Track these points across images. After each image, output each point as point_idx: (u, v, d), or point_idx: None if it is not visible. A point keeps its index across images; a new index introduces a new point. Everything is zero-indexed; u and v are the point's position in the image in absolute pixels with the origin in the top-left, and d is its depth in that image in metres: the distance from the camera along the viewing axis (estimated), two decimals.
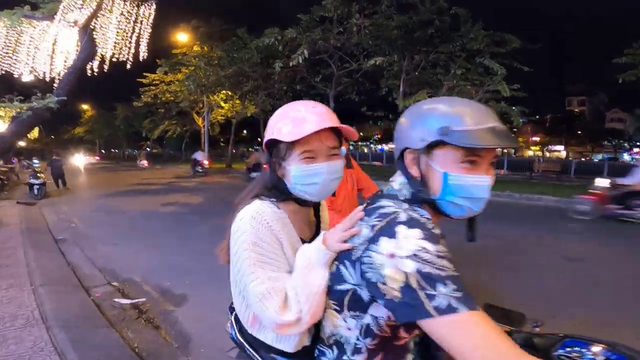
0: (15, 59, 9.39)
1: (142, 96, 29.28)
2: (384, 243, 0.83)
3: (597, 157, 50.51)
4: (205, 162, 22.32)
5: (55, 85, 9.20)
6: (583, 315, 3.56)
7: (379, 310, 0.90)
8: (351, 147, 13.80)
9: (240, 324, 1.20)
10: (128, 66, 10.61)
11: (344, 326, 0.95)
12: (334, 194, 1.17)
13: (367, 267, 0.86)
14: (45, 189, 12.38)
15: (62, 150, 25.07)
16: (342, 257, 0.94)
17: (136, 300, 3.99)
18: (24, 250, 5.48)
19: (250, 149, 21.49)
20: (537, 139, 57.92)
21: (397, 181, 1.01)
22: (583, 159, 45.12)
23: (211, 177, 20.90)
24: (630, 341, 1.08)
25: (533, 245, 6.37)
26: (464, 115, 0.88)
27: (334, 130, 1.08)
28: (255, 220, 1.04)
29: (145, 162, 31.82)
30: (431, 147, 0.90)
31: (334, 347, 0.99)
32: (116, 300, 3.97)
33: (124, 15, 10.08)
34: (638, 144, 50.99)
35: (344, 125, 1.08)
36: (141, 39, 10.54)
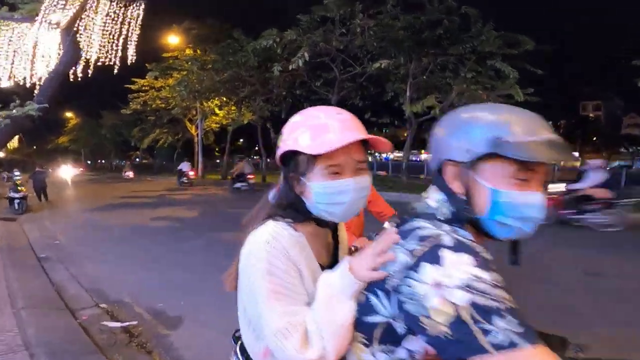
0: None
1: (130, 103, 29.46)
2: (428, 271, 0.78)
3: (613, 165, 50.53)
4: (191, 173, 22.93)
5: (36, 91, 9.17)
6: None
7: (415, 344, 0.84)
8: None
9: (246, 354, 1.15)
10: (115, 71, 10.63)
11: None
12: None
13: (405, 297, 0.80)
14: (27, 203, 12.36)
15: (45, 162, 25.08)
16: (373, 285, 0.89)
17: (127, 323, 3.92)
18: (4, 270, 5.41)
19: (248, 158, 21.66)
20: None
21: (434, 198, 0.96)
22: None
23: (206, 188, 20.92)
24: None
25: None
26: (514, 125, 0.84)
27: (361, 140, 1.02)
28: (270, 245, 0.98)
29: (130, 174, 32.24)
30: (477, 160, 0.86)
31: None
32: (105, 323, 3.91)
33: (110, 16, 10.07)
34: None
35: (375, 136, 1.01)
36: (129, 42, 10.53)
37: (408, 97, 15.82)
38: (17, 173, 17.05)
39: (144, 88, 28.21)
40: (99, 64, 10.23)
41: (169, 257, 6.62)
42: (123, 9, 10.23)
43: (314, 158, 0.98)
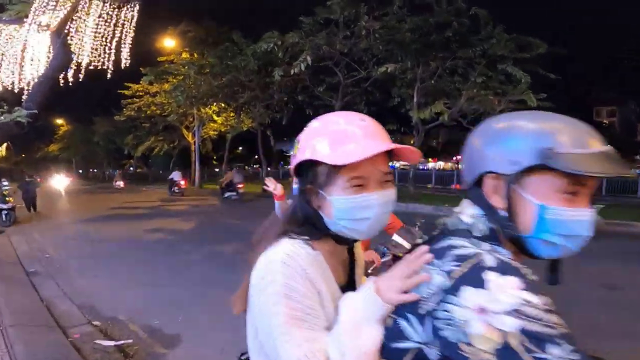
0: None
1: (124, 109, 29.63)
2: (470, 294, 0.75)
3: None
4: (182, 183, 23.29)
5: (24, 96, 9.18)
6: None
7: None
8: None
9: None
10: (108, 76, 10.66)
11: None
12: None
13: (443, 323, 0.77)
14: (15, 214, 12.35)
15: (35, 171, 25.10)
16: (402, 309, 0.86)
17: (121, 341, 3.89)
18: None
19: (237, 167, 22.05)
20: None
21: (468, 213, 0.93)
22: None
23: (204, 199, 20.93)
24: None
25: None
26: (561, 134, 0.82)
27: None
28: (287, 266, 0.93)
29: (121, 183, 32.56)
30: (522, 172, 0.84)
31: None
32: (98, 342, 3.87)
33: (103, 17, 10.08)
34: None
35: (404, 146, 0.98)
36: (123, 45, 10.56)
37: (415, 103, 15.86)
38: (5, 183, 17.06)
39: (138, 93, 28.42)
40: (91, 68, 10.26)
41: (165, 272, 6.60)
42: (116, 10, 10.26)
43: (335, 169, 0.94)
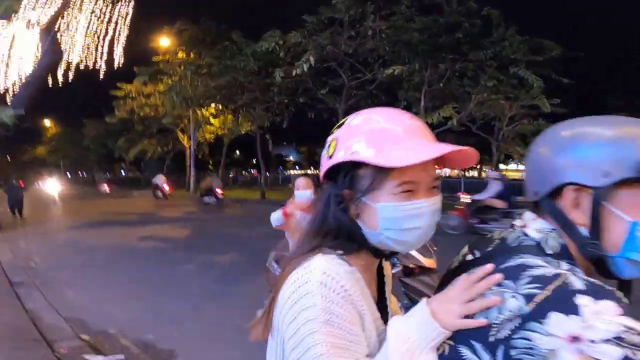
0: None
1: (116, 111, 29.66)
2: (560, 321, 0.70)
3: None
4: (166, 187, 23.65)
5: (10, 97, 9.16)
6: None
7: None
8: None
9: None
10: (100, 75, 10.66)
11: None
12: None
13: (522, 352, 0.73)
14: None
15: (22, 174, 25.06)
16: (465, 335, 0.81)
17: (112, 356, 3.87)
18: None
19: (216, 174, 22.44)
20: None
21: (534, 227, 0.89)
22: None
23: (198, 205, 20.90)
24: None
25: None
26: None
27: None
28: (327, 287, 0.84)
29: (106, 188, 33.17)
30: (612, 185, 0.80)
31: None
32: (87, 357, 3.85)
33: (96, 14, 10.07)
34: None
35: (464, 147, 0.89)
36: (116, 43, 10.55)
37: (423, 107, 15.85)
38: None
39: (131, 94, 28.45)
40: (82, 67, 10.23)
41: (158, 283, 6.57)
42: (110, 6, 10.24)
43: (384, 172, 0.87)
